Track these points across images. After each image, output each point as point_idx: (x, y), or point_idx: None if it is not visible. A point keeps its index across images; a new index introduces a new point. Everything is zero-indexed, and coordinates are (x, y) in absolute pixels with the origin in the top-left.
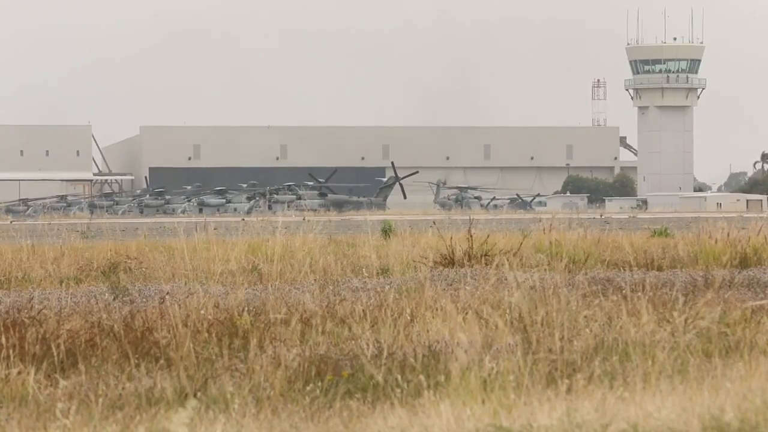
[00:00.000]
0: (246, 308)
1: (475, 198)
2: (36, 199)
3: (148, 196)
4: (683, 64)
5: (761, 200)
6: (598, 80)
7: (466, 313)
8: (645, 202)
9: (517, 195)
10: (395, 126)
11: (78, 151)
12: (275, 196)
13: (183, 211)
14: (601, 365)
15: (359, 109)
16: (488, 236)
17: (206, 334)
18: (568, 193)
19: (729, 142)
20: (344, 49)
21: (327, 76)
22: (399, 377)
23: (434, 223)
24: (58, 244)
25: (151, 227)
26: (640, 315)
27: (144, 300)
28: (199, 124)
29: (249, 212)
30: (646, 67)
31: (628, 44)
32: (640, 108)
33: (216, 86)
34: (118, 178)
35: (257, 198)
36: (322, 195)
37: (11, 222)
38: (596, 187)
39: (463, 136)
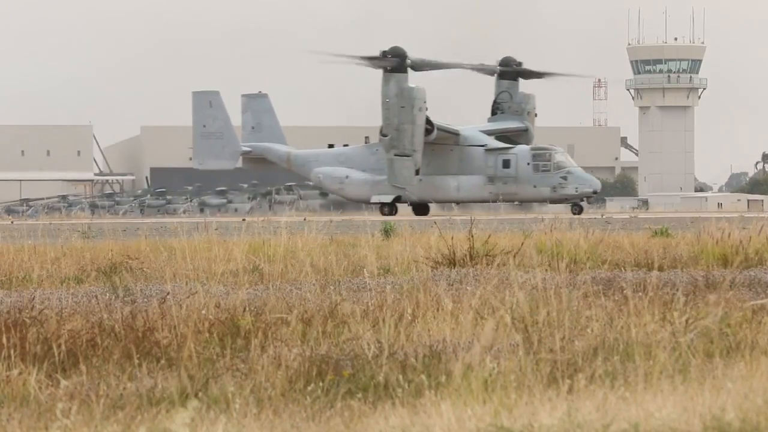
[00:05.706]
0: (247, 308)
1: None
2: (37, 199)
3: (149, 196)
4: (684, 64)
5: (762, 200)
6: (599, 80)
7: (468, 313)
8: (646, 202)
9: None
10: None
11: (79, 151)
12: (276, 196)
13: (184, 211)
14: (602, 365)
15: (359, 108)
16: (489, 236)
17: (207, 334)
18: None
19: (730, 143)
20: (343, 49)
21: (327, 76)
22: (400, 377)
23: (435, 223)
24: (59, 244)
25: (152, 227)
26: (642, 315)
27: (145, 300)
28: None
29: (250, 212)
30: (647, 67)
31: (629, 44)
32: (641, 108)
33: (216, 86)
34: (119, 178)
35: (258, 198)
36: (323, 195)
37: (12, 222)
38: None
39: None
